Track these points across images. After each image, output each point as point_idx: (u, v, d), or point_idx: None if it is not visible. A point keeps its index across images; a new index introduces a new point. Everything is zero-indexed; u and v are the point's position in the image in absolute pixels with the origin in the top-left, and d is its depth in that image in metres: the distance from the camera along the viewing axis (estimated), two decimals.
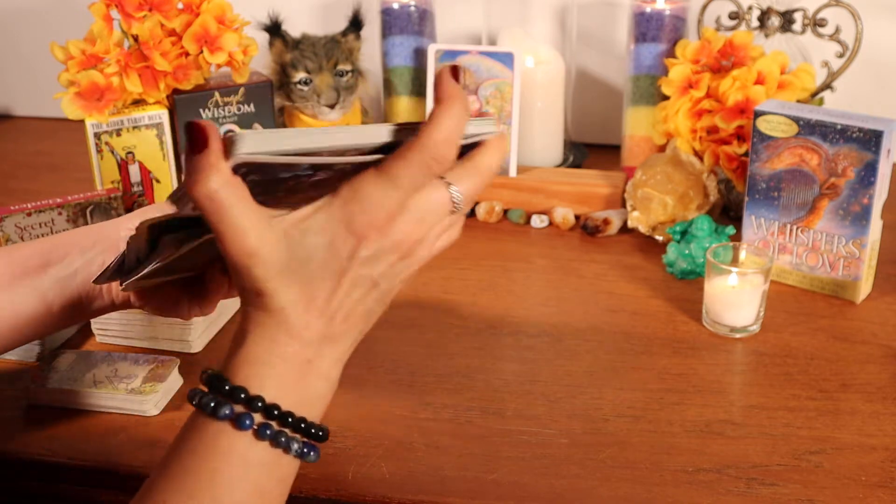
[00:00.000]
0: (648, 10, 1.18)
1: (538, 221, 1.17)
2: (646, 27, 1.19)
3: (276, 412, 0.54)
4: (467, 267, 1.07)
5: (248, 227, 0.51)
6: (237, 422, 0.53)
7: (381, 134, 0.54)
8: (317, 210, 0.54)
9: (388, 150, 0.54)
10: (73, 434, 0.80)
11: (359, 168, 0.53)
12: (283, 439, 0.54)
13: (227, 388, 0.53)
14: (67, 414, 0.82)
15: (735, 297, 0.91)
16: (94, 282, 0.66)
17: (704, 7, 1.21)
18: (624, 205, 1.16)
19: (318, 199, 0.54)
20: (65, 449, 0.78)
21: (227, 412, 0.53)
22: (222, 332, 0.95)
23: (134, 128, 1.13)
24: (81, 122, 1.12)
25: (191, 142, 0.50)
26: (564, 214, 1.16)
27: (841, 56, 1.15)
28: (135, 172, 1.15)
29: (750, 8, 1.19)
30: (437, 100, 0.54)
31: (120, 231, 0.69)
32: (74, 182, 1.29)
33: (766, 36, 1.18)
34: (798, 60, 1.17)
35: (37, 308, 0.69)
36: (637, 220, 1.11)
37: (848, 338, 0.91)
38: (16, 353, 0.91)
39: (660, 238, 1.10)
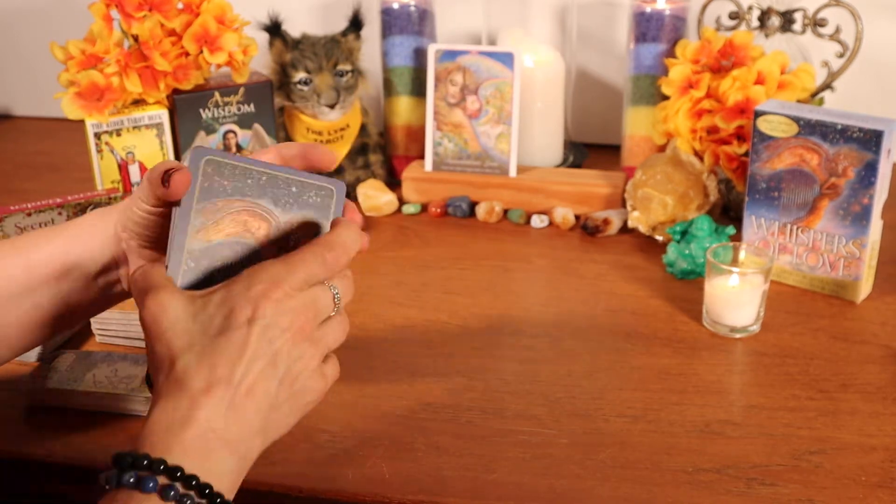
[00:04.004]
0: (648, 10, 1.18)
1: (538, 221, 1.17)
2: (646, 27, 1.19)
3: (178, 474, 0.55)
4: (467, 267, 1.07)
5: (166, 298, 0.59)
6: (140, 485, 0.54)
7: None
8: (222, 286, 0.61)
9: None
10: (73, 434, 0.80)
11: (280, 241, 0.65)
12: (188, 502, 0.55)
13: (130, 459, 0.55)
14: (67, 414, 0.82)
15: (735, 297, 0.91)
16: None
17: (704, 7, 1.21)
18: (624, 205, 1.16)
19: None
20: (65, 449, 0.78)
21: (130, 479, 0.55)
22: None
23: (134, 128, 1.13)
24: (81, 122, 1.12)
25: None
26: (564, 214, 1.16)
27: (841, 56, 1.15)
28: (135, 172, 1.15)
29: (750, 8, 1.19)
30: (341, 219, 0.65)
31: (119, 232, 0.69)
32: (74, 182, 1.29)
33: (766, 36, 1.18)
34: (798, 60, 1.17)
35: (58, 308, 0.69)
36: (637, 220, 1.11)
37: (848, 338, 0.91)
38: None
39: (660, 238, 1.10)
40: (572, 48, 1.30)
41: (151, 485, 0.54)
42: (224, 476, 0.57)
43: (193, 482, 0.55)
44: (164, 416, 0.57)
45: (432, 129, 1.22)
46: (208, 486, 0.55)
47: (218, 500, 0.56)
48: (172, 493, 0.54)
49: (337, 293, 0.64)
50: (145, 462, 0.55)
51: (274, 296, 0.60)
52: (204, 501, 0.55)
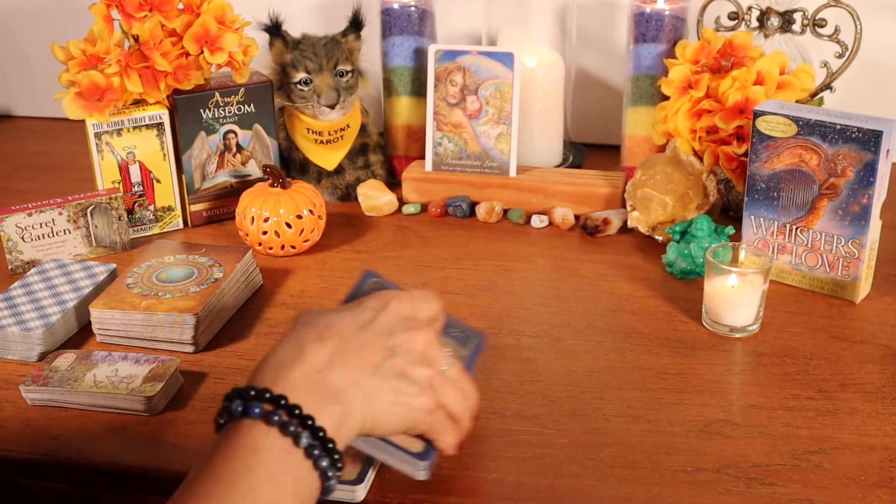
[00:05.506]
0: (648, 10, 1.18)
1: (538, 221, 1.17)
2: (645, 27, 1.19)
3: (282, 402, 0.59)
4: (467, 267, 1.08)
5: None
6: (248, 411, 0.59)
7: None
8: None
9: None
10: (73, 434, 0.80)
11: None
12: (291, 428, 0.58)
13: (236, 393, 0.61)
14: (67, 414, 0.82)
15: (734, 297, 0.91)
16: None
17: (704, 7, 1.21)
18: (624, 205, 1.16)
19: None
20: (65, 449, 0.78)
21: (238, 408, 0.59)
22: (222, 332, 0.95)
23: (134, 128, 1.13)
24: (82, 122, 1.12)
25: None
26: (564, 214, 1.16)
27: (840, 56, 1.15)
28: (135, 172, 1.15)
29: (749, 8, 1.19)
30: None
31: None
32: (74, 182, 1.29)
33: (766, 36, 1.18)
34: (797, 61, 1.17)
35: None
36: (637, 220, 1.11)
37: (847, 338, 0.92)
38: (16, 353, 0.91)
39: (659, 238, 1.10)
40: (572, 48, 1.30)
41: (257, 410, 0.59)
42: (326, 416, 0.60)
43: (296, 411, 0.59)
44: (275, 357, 0.62)
45: (432, 129, 1.22)
46: (310, 417, 0.59)
47: (320, 434, 0.59)
48: (276, 418, 0.59)
49: (448, 359, 0.70)
50: (252, 392, 0.59)
51: (404, 307, 0.68)
52: (306, 431, 0.59)
